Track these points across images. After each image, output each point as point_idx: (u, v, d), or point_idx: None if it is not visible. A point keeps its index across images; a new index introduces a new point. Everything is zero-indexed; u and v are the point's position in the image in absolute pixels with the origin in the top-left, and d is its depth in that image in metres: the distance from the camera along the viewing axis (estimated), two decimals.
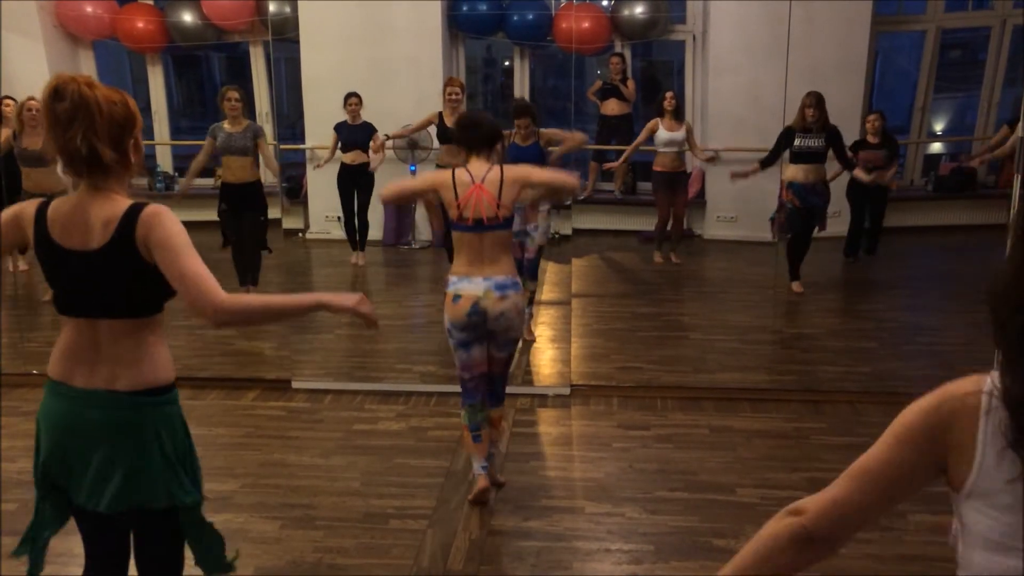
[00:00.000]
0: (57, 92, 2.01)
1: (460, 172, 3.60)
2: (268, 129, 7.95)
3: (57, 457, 2.16)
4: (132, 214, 2.07)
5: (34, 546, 2.26)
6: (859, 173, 6.84)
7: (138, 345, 2.13)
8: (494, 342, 3.68)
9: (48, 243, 2.11)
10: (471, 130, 3.64)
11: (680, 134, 7.22)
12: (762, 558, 1.39)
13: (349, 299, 2.26)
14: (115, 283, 2.10)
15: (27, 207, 2.16)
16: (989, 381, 1.20)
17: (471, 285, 3.56)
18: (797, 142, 6.45)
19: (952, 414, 1.21)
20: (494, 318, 3.56)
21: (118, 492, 2.13)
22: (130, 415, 2.12)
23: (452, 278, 3.62)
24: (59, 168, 2.15)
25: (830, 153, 6.53)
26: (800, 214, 6.57)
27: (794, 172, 6.52)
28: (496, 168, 3.59)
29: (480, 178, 3.56)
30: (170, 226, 2.07)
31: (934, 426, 1.22)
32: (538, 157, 5.16)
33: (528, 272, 5.55)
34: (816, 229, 6.69)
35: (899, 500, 1.32)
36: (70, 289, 2.14)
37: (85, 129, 2.01)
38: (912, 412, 1.26)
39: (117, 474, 2.11)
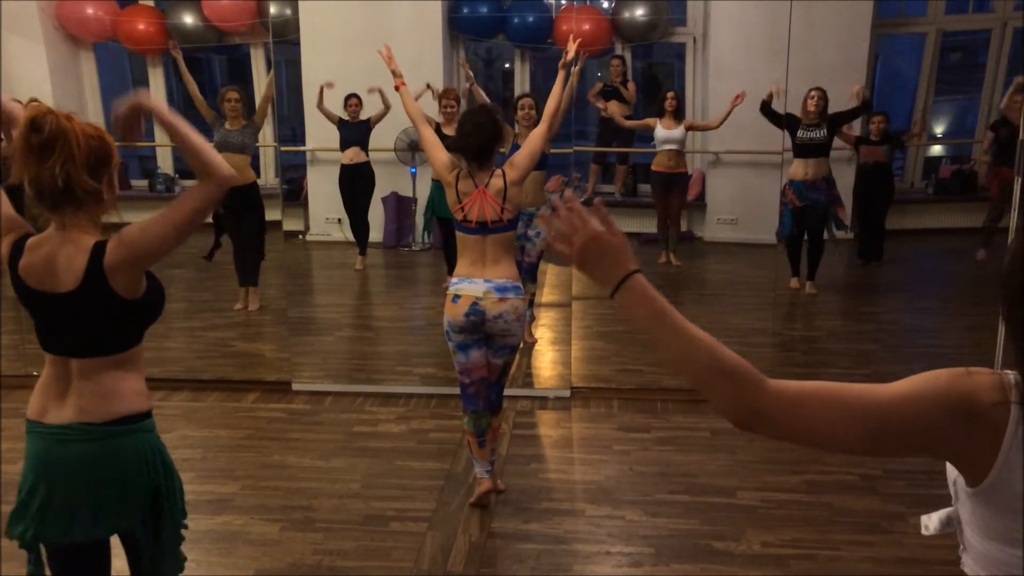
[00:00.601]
0: (34, 123, 1.95)
1: (464, 175, 3.61)
2: (268, 131, 7.96)
3: (36, 499, 2.13)
4: (98, 251, 2.03)
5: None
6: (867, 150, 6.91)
7: (113, 379, 2.11)
8: (491, 346, 3.65)
9: (21, 286, 2.09)
10: (472, 139, 3.58)
11: (678, 132, 7.20)
12: (709, 348, 1.24)
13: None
14: (89, 324, 2.08)
15: (4, 242, 2.11)
16: (1012, 380, 1.17)
17: (471, 286, 3.56)
18: (800, 133, 6.48)
19: (977, 418, 1.16)
20: (492, 319, 3.55)
21: (95, 520, 2.12)
22: (104, 445, 2.11)
23: (453, 279, 3.63)
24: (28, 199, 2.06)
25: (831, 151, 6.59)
26: (802, 213, 6.58)
27: (795, 168, 6.56)
28: (498, 172, 3.59)
29: (484, 183, 3.56)
30: (131, 235, 2.03)
31: (956, 419, 1.17)
32: (542, 159, 5.15)
33: (527, 275, 5.55)
34: (828, 231, 6.71)
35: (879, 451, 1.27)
36: (47, 328, 2.12)
37: (64, 160, 1.96)
38: (936, 398, 1.18)
39: (95, 502, 2.10)
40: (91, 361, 2.09)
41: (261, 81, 8.53)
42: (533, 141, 3.73)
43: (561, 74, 3.98)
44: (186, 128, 2.03)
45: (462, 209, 3.57)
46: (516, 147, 5.32)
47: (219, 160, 2.06)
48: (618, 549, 3.46)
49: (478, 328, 3.58)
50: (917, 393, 1.19)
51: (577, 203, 1.34)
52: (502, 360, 3.71)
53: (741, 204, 7.89)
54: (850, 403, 1.21)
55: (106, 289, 2.03)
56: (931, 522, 1.34)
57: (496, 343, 3.64)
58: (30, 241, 2.10)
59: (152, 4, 8.45)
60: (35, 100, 5.91)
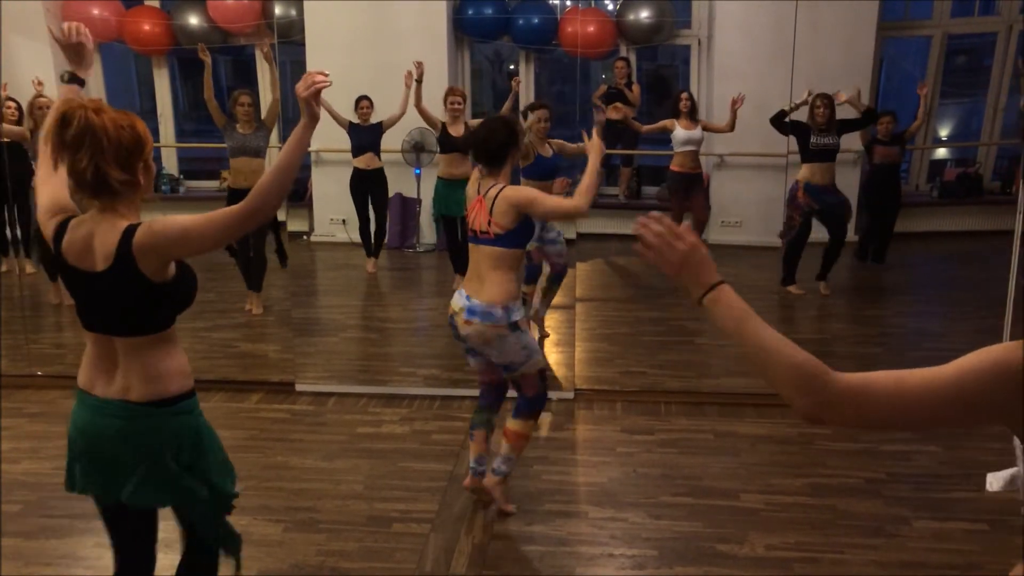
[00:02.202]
0: (64, 118, 2.06)
1: (472, 184, 3.62)
2: (274, 132, 7.96)
3: (80, 459, 2.29)
4: (127, 236, 2.12)
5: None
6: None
7: (152, 359, 2.22)
8: (489, 361, 3.59)
9: (63, 263, 2.20)
10: (480, 142, 3.54)
11: (698, 133, 7.20)
12: (781, 348, 1.37)
13: (301, 92, 2.29)
14: (121, 304, 2.17)
15: (50, 224, 2.24)
16: None
17: (456, 296, 3.52)
18: (813, 139, 6.49)
19: None
20: (463, 335, 3.49)
21: (133, 491, 2.24)
22: (142, 424, 2.21)
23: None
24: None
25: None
26: (818, 216, 6.60)
27: (809, 173, 6.57)
28: (499, 187, 3.46)
29: (484, 191, 3.50)
30: (163, 229, 2.11)
31: (1013, 386, 1.21)
32: (559, 169, 5.14)
33: (555, 279, 5.66)
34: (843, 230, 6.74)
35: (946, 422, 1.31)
36: (85, 306, 2.24)
37: (92, 154, 2.06)
38: (993, 369, 1.23)
39: (130, 477, 2.23)
40: (133, 340, 2.20)
41: (266, 82, 8.53)
42: (554, 207, 3.52)
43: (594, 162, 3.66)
44: (303, 146, 2.23)
45: (468, 214, 3.56)
46: (540, 158, 5.29)
47: (283, 192, 2.18)
48: (621, 551, 3.45)
49: (463, 342, 3.55)
50: (975, 368, 1.24)
51: (667, 219, 1.47)
52: (506, 372, 3.60)
53: (746, 207, 7.88)
54: (913, 387, 1.27)
55: (134, 270, 2.11)
56: (996, 480, 1.39)
57: (484, 355, 3.55)
58: (73, 222, 2.21)
59: (157, 5, 8.47)
60: (42, 96, 6.00)
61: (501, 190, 3.44)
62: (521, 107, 8.40)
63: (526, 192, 3.46)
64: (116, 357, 2.22)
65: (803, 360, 1.33)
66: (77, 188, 2.14)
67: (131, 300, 2.16)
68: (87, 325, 2.25)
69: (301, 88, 2.26)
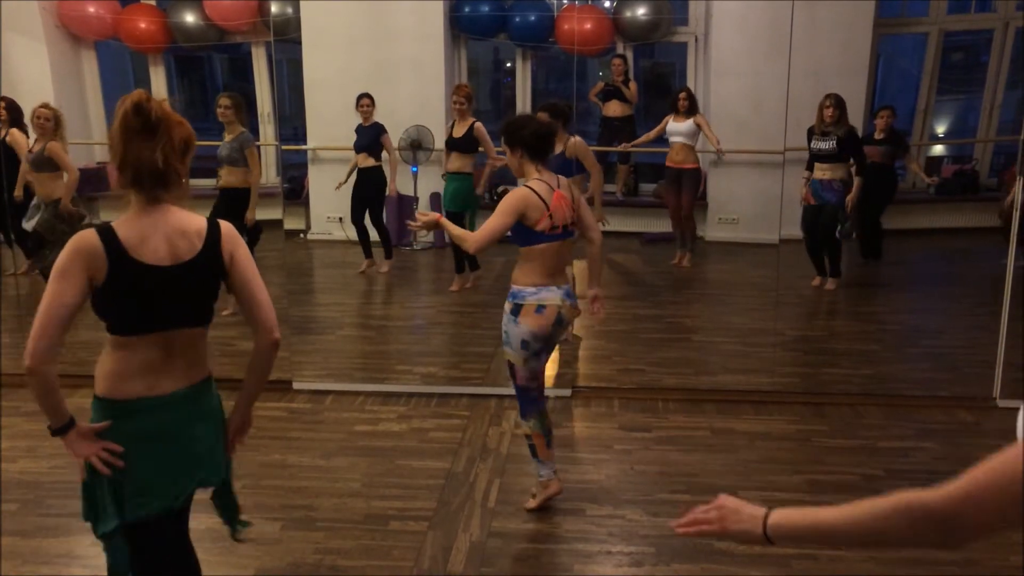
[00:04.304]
0: (139, 107, 2.09)
1: (537, 184, 3.45)
2: (270, 130, 7.96)
3: (163, 459, 2.26)
4: (215, 228, 2.24)
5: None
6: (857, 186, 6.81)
7: (202, 346, 2.33)
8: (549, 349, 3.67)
9: (129, 263, 2.10)
10: (545, 138, 3.50)
11: (684, 125, 7.19)
12: (872, 519, 1.29)
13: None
14: (200, 293, 2.24)
15: (85, 244, 2.09)
16: None
17: (551, 294, 3.50)
18: (812, 144, 6.52)
19: None
20: (569, 321, 3.62)
21: (206, 474, 2.37)
22: (208, 401, 2.37)
23: (529, 288, 3.48)
24: (119, 183, 2.17)
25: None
26: (814, 212, 6.63)
27: (816, 170, 6.65)
28: (558, 177, 3.53)
29: (556, 185, 3.48)
30: (245, 247, 2.30)
31: None
32: (564, 169, 5.07)
33: None
34: (839, 229, 6.74)
35: None
36: (149, 305, 2.16)
37: (164, 143, 2.11)
38: None
39: (202, 461, 2.34)
40: (195, 331, 2.27)
41: (263, 80, 8.52)
42: (588, 216, 3.64)
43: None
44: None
45: (551, 216, 3.43)
46: (562, 156, 5.19)
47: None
48: (619, 549, 3.46)
49: (558, 336, 3.62)
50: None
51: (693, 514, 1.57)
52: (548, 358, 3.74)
53: (743, 204, 7.88)
54: (1005, 475, 1.18)
55: (219, 262, 2.23)
56: None
57: (552, 345, 3.67)
58: (121, 224, 2.14)
59: (153, 3, 8.45)
60: (43, 106, 5.98)
61: (568, 182, 3.57)
62: (518, 109, 8.42)
63: (583, 202, 3.64)
64: (174, 352, 2.23)
65: (890, 503, 1.27)
66: (134, 180, 2.12)
67: (208, 288, 2.24)
68: (146, 327, 2.17)
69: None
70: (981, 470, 1.19)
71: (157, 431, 2.23)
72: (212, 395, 2.40)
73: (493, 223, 3.41)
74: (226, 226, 2.26)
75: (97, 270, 2.08)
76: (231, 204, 6.20)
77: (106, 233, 2.10)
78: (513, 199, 3.40)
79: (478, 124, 6.52)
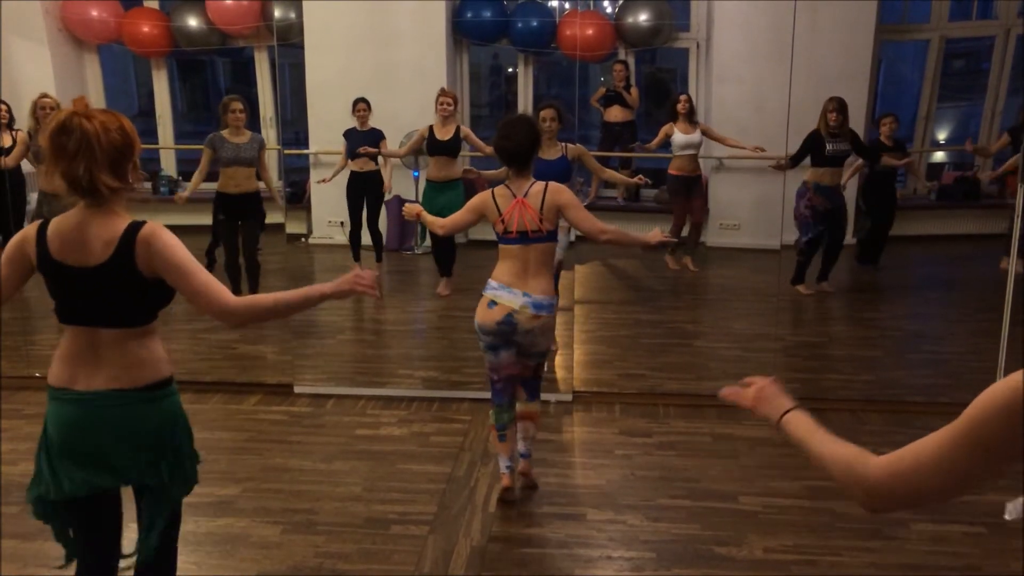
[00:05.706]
0: (63, 127, 2.14)
1: (500, 189, 3.64)
2: (272, 134, 7.97)
3: (66, 457, 2.27)
4: (130, 233, 2.19)
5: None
6: (888, 159, 6.98)
7: (136, 348, 2.27)
8: (521, 353, 3.72)
9: (49, 261, 2.22)
10: (510, 142, 3.59)
11: (696, 136, 7.23)
12: (837, 453, 1.44)
13: (346, 282, 2.34)
14: (113, 297, 2.22)
15: (28, 231, 2.27)
16: None
17: (509, 296, 3.58)
18: (829, 146, 6.51)
19: None
20: (523, 333, 3.61)
21: (118, 472, 2.30)
22: (137, 409, 2.26)
23: (492, 283, 3.64)
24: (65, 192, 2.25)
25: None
26: (826, 216, 6.63)
27: (821, 175, 6.63)
28: (538, 184, 3.60)
29: (522, 192, 3.59)
30: (170, 245, 2.21)
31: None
32: (564, 173, 5.05)
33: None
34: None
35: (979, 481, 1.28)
36: (70, 300, 2.25)
37: (87, 161, 2.13)
38: (1003, 407, 1.20)
39: (124, 458, 2.27)
40: (117, 332, 2.24)
41: (265, 84, 8.54)
42: (584, 218, 3.64)
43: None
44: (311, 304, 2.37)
45: (503, 221, 3.59)
46: (539, 161, 5.17)
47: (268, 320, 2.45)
48: (619, 554, 3.46)
49: (508, 336, 3.63)
50: (980, 411, 1.22)
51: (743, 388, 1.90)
52: (535, 362, 3.82)
53: (744, 209, 7.90)
54: (931, 453, 1.26)
55: (132, 268, 2.19)
56: (1015, 509, 1.38)
57: (525, 351, 3.72)
58: (55, 220, 2.24)
59: (156, 6, 8.47)
60: (46, 96, 6.00)
61: (546, 188, 3.59)
62: (519, 109, 8.42)
63: (568, 195, 3.64)
64: (98, 350, 2.24)
65: (847, 454, 1.39)
66: (72, 191, 2.19)
67: (123, 293, 2.21)
68: (68, 319, 2.26)
69: (353, 284, 2.35)
70: (910, 450, 1.28)
71: (68, 422, 2.26)
72: (149, 407, 2.29)
73: (457, 216, 3.78)
74: (144, 230, 2.20)
75: (31, 256, 2.24)
76: (245, 210, 6.20)
77: (42, 228, 2.24)
78: (475, 199, 3.72)
79: (464, 127, 6.53)
